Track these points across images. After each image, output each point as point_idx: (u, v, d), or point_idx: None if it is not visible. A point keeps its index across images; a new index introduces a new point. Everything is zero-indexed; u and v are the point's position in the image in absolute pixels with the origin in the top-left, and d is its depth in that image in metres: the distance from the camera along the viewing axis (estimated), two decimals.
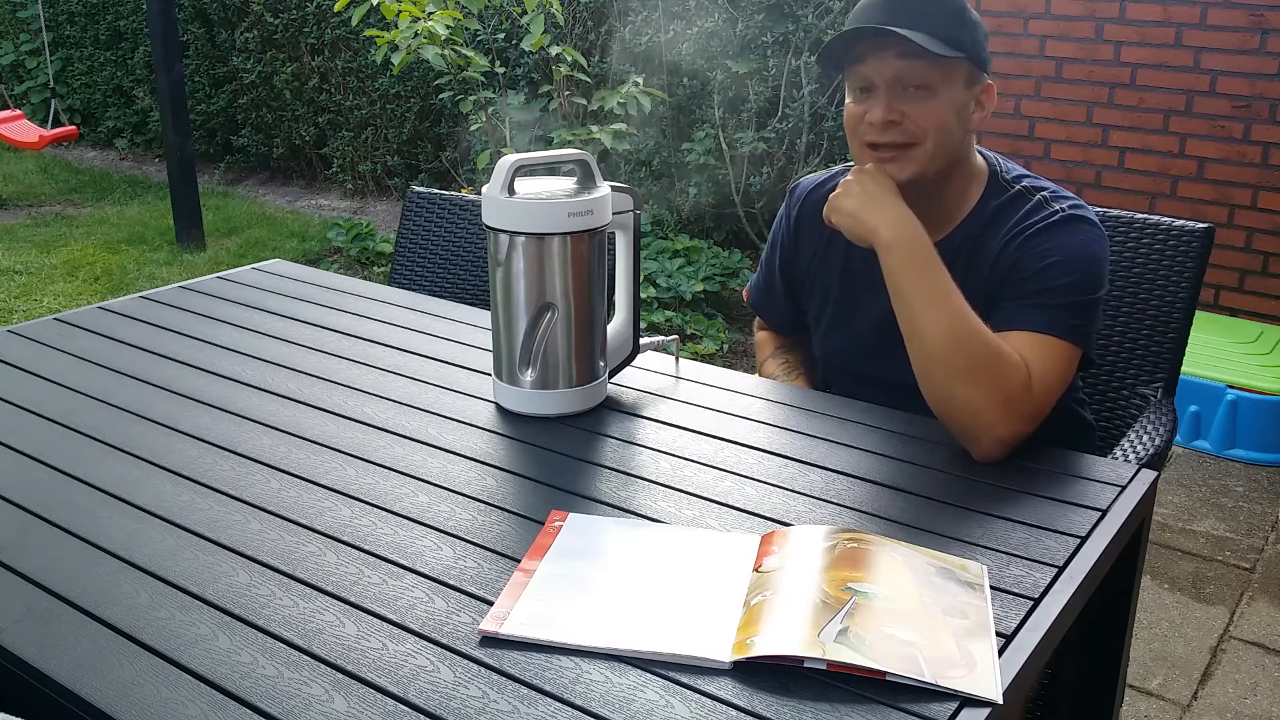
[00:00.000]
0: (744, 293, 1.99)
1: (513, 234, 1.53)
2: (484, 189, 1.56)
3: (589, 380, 1.62)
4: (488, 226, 1.55)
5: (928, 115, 1.55)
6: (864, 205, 1.56)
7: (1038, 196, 1.60)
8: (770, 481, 1.42)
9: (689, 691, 1.01)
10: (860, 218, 1.56)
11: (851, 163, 1.74)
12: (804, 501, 1.37)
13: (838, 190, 1.61)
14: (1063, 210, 1.57)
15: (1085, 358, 1.57)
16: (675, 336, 1.83)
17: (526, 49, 4.25)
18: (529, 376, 1.59)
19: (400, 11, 3.96)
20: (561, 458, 1.48)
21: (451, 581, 1.19)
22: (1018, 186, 1.63)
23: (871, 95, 1.57)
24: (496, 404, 1.64)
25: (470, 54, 4.13)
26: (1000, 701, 0.99)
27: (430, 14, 3.95)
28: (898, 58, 1.53)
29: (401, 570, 1.21)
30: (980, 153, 1.67)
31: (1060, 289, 1.52)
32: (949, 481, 1.41)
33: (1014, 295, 1.55)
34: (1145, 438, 1.63)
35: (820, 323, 1.80)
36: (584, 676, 1.03)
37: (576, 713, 0.99)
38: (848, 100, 1.62)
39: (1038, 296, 1.53)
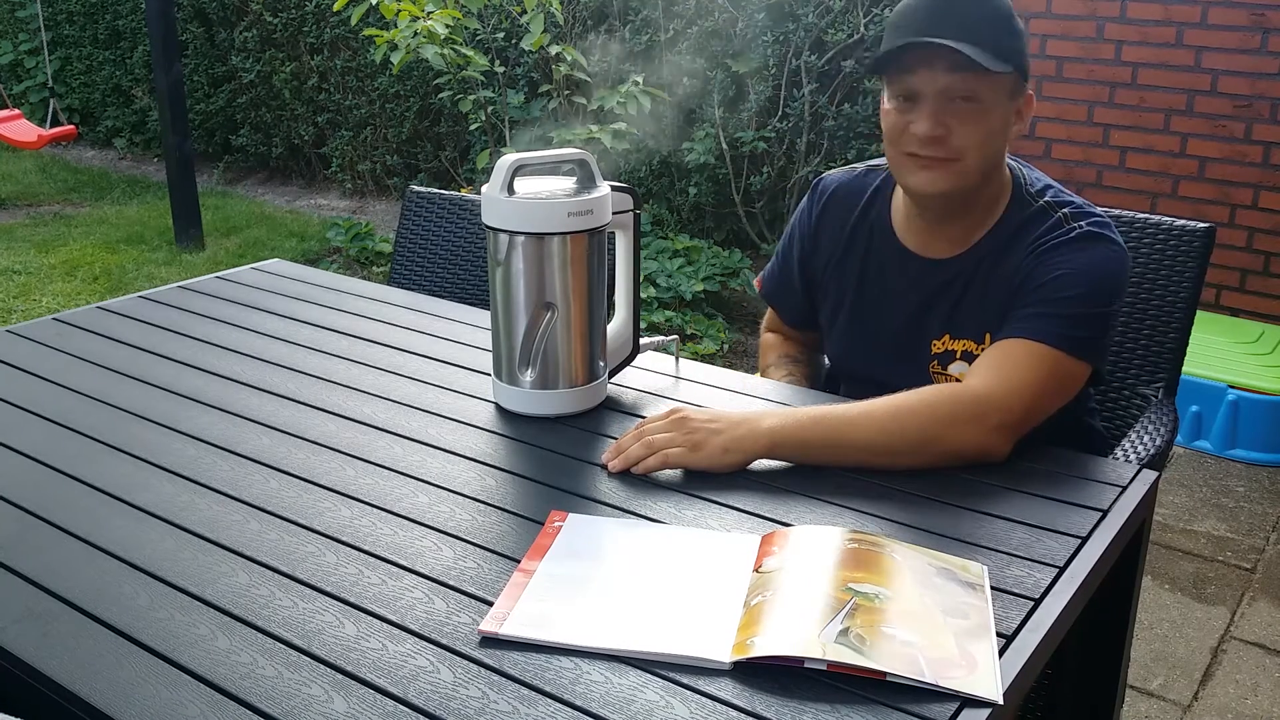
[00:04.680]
0: (756, 282, 1.97)
1: (512, 234, 1.53)
2: (484, 189, 1.56)
3: (589, 380, 1.62)
4: (487, 226, 1.55)
5: (973, 132, 1.52)
6: (728, 440, 1.43)
7: (1059, 214, 1.58)
8: (770, 481, 1.41)
9: (689, 692, 1.01)
10: (733, 449, 1.43)
11: (875, 161, 1.73)
12: (804, 501, 1.36)
13: (685, 444, 1.43)
14: (1080, 228, 1.55)
15: (1095, 373, 1.56)
16: (675, 336, 1.83)
17: (526, 48, 4.25)
18: (529, 376, 1.59)
19: (400, 11, 3.96)
20: (561, 458, 1.48)
21: (451, 582, 1.18)
22: (1040, 202, 1.61)
23: (917, 105, 1.53)
24: (496, 404, 1.64)
25: (470, 53, 4.12)
26: (1001, 702, 0.99)
27: (430, 13, 3.95)
28: (947, 70, 1.49)
29: (401, 571, 1.21)
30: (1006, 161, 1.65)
31: (1063, 300, 1.51)
32: (949, 481, 1.41)
33: (1018, 305, 1.54)
34: (1146, 438, 1.63)
35: (834, 323, 1.79)
36: (584, 677, 1.03)
37: (576, 713, 0.98)
38: (887, 105, 1.57)
39: (1039, 306, 1.52)
